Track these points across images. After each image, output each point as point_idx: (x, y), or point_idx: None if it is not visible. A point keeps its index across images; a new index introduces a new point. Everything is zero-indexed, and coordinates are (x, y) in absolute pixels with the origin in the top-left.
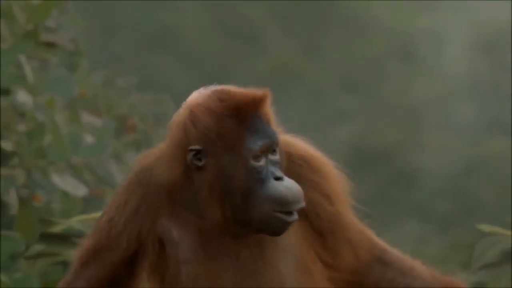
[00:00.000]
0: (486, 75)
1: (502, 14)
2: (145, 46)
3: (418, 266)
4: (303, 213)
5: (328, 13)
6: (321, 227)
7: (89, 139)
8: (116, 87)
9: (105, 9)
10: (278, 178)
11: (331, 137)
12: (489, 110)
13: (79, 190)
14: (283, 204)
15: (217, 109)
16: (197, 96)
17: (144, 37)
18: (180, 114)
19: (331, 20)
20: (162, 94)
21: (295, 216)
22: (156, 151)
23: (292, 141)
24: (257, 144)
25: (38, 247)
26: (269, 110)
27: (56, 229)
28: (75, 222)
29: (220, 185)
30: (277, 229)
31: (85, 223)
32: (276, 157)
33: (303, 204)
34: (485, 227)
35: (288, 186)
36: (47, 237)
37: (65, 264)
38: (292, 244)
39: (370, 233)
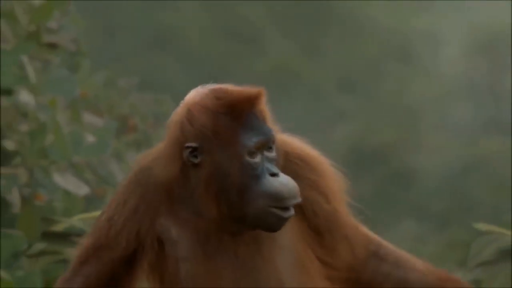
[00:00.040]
0: (483, 76)
1: (499, 15)
2: (146, 46)
3: (413, 259)
4: (300, 211)
5: (326, 14)
6: (318, 225)
7: (90, 138)
8: (117, 87)
9: (106, 10)
10: (273, 174)
11: (329, 137)
12: (485, 110)
13: (81, 189)
14: (278, 199)
15: (213, 107)
16: (194, 94)
17: (144, 38)
18: (177, 113)
19: (330, 21)
20: (162, 94)
21: (291, 212)
22: (155, 151)
23: (289, 140)
24: (252, 140)
25: (40, 246)
26: (265, 108)
27: (58, 227)
28: (77, 220)
29: (216, 182)
30: (273, 225)
31: (87, 221)
32: (272, 154)
33: (299, 199)
34: (482, 226)
35: (284, 182)
36: (49, 236)
37: (66, 262)
38: (289, 241)
39: (365, 229)
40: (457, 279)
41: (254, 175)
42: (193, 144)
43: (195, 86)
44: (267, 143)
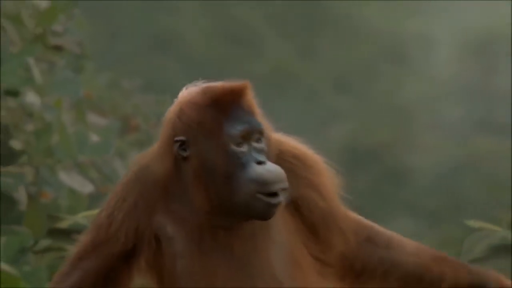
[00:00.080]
0: (475, 77)
1: (491, 18)
2: (148, 49)
3: (405, 241)
4: (295, 209)
5: (322, 16)
6: (313, 221)
7: (94, 138)
8: (120, 88)
9: (110, 14)
10: (260, 163)
11: (325, 136)
12: (477, 111)
13: (85, 187)
14: (263, 184)
15: (200, 101)
16: (186, 92)
17: (146, 41)
18: (170, 111)
19: (325, 23)
20: (163, 95)
21: (279, 198)
22: (153, 150)
23: (284, 139)
24: (236, 129)
25: (45, 242)
26: (253, 102)
27: (63, 224)
28: (81, 218)
29: (204, 173)
30: (262, 212)
31: (91, 219)
32: (260, 145)
33: (285, 185)
34: (473, 223)
35: (269, 168)
36: (54, 232)
37: None
38: (283, 238)
39: (356, 216)
40: (448, 258)
41: (240, 163)
42: (181, 138)
43: None
44: (253, 133)
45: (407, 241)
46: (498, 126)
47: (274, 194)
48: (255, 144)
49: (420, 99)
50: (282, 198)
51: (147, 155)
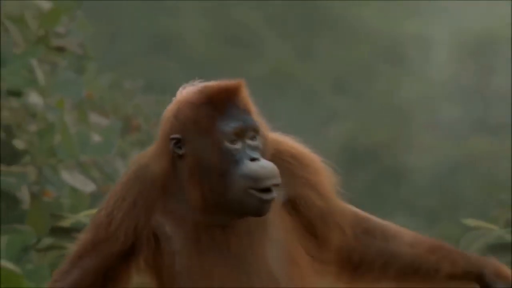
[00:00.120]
0: (471, 78)
1: (488, 20)
2: (149, 50)
3: (401, 231)
4: (293, 208)
5: (320, 18)
6: (311, 220)
7: (96, 138)
8: (121, 89)
9: (111, 16)
10: (253, 159)
11: (324, 136)
12: (473, 111)
13: (87, 186)
14: (255, 180)
15: (195, 100)
16: (183, 92)
17: (148, 42)
18: (167, 110)
19: (324, 25)
20: (164, 96)
21: (272, 194)
22: (152, 149)
23: (282, 138)
24: (229, 126)
25: (48, 240)
26: (248, 100)
27: (65, 223)
28: (83, 216)
29: (198, 170)
30: (256, 208)
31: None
32: (255, 143)
33: (278, 181)
34: (470, 222)
35: (262, 165)
36: (56, 231)
37: None
38: (280, 236)
39: (352, 208)
40: (445, 246)
41: (234, 160)
42: (177, 136)
43: None
44: (247, 130)
45: (404, 231)
46: (495, 126)
47: (267, 190)
48: (249, 142)
49: (418, 100)
50: (275, 194)
51: (146, 154)
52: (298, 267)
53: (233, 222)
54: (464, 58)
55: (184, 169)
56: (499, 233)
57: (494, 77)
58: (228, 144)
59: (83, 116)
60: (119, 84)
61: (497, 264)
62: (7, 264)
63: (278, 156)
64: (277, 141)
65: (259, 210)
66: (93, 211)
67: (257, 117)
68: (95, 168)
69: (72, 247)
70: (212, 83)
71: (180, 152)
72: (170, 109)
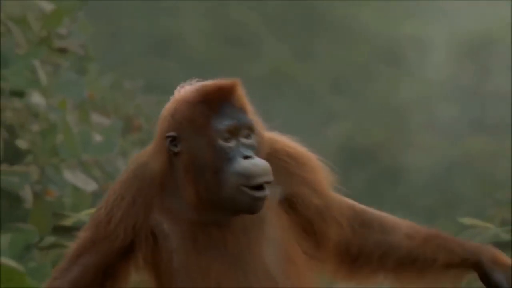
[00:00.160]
0: (468, 79)
1: (484, 21)
2: (150, 51)
3: (398, 222)
4: (291, 207)
5: (319, 19)
6: (309, 218)
7: (98, 138)
8: (123, 89)
9: (112, 17)
10: (246, 157)
11: (322, 136)
12: (470, 111)
13: (89, 186)
14: (247, 177)
15: (191, 98)
16: (181, 90)
17: (148, 43)
18: (165, 109)
19: (322, 26)
20: (165, 96)
21: (265, 192)
22: (151, 148)
23: (278, 138)
24: (223, 124)
25: (50, 239)
26: (244, 99)
27: (67, 222)
28: (85, 215)
29: (193, 168)
30: (249, 206)
31: None
32: (249, 141)
33: (270, 178)
34: (466, 220)
35: (255, 162)
36: (59, 230)
37: None
38: (277, 234)
39: (349, 202)
40: (441, 234)
41: (227, 158)
42: (172, 134)
43: None
44: (241, 129)
45: (401, 222)
46: (492, 126)
47: (260, 188)
48: (243, 140)
49: (416, 100)
50: (267, 192)
51: (145, 153)
52: (294, 265)
53: (229, 220)
54: (462, 58)
55: (180, 167)
56: (495, 232)
57: (491, 77)
58: (221, 142)
59: (85, 116)
60: (120, 84)
61: (493, 251)
62: (10, 262)
63: (274, 155)
64: (274, 140)
65: (252, 207)
66: (95, 210)
67: (253, 116)
68: (97, 167)
69: (72, 245)
70: (209, 82)
71: (176, 150)
72: (167, 107)
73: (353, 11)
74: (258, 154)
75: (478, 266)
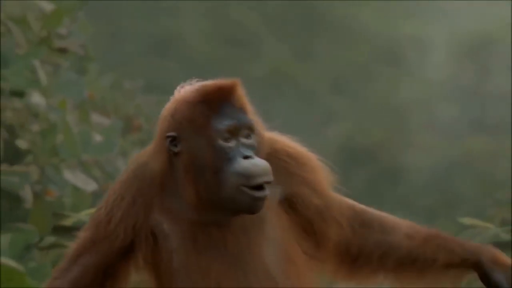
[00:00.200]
0: (468, 79)
1: (483, 22)
2: (149, 51)
3: (398, 222)
4: (290, 207)
5: (319, 20)
6: (309, 218)
7: (98, 138)
8: (122, 89)
9: (112, 18)
10: (246, 157)
11: (322, 136)
12: (470, 111)
13: (89, 186)
14: (247, 177)
15: (191, 99)
16: (181, 90)
17: (148, 43)
18: (165, 109)
19: (322, 27)
20: (164, 96)
21: (265, 192)
22: (151, 148)
23: (278, 138)
24: (223, 124)
25: (50, 239)
26: (244, 99)
27: (67, 222)
28: (85, 215)
29: (193, 167)
30: (248, 206)
31: None
32: (249, 141)
33: (270, 178)
34: (466, 220)
35: (255, 162)
36: (59, 230)
37: None
38: (277, 234)
39: (349, 202)
40: (441, 234)
41: (227, 158)
42: (173, 134)
43: None
44: (241, 129)
45: (401, 222)
46: (492, 126)
47: (260, 188)
48: (243, 140)
49: (415, 100)
50: (267, 192)
51: (145, 153)
52: (294, 265)
53: (229, 220)
54: (462, 59)
55: (180, 167)
56: (495, 232)
57: (491, 77)
58: (221, 142)
59: (85, 116)
60: (120, 84)
61: (493, 251)
62: (10, 262)
63: (274, 155)
64: (274, 140)
65: (252, 207)
66: (95, 210)
67: (253, 116)
68: (97, 167)
69: (72, 245)
70: (209, 82)
71: (176, 150)
72: (167, 107)
73: (353, 11)
74: (258, 154)
75: (478, 266)
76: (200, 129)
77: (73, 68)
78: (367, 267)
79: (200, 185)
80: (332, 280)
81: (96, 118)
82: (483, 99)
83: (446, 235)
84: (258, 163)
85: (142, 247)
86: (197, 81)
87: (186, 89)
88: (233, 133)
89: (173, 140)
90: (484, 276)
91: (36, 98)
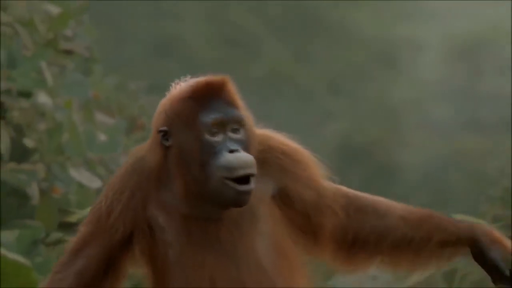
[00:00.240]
0: (461, 79)
1: (476, 24)
2: (153, 53)
3: (392, 205)
4: (284, 202)
5: (316, 22)
6: (304, 210)
7: (102, 137)
8: (127, 90)
9: (117, 20)
10: (232, 151)
11: (319, 136)
12: (463, 111)
13: (93, 183)
14: (228, 169)
15: (181, 94)
16: (175, 87)
17: (151, 45)
18: (160, 104)
19: (320, 29)
20: None
21: (250, 186)
22: (148, 143)
23: (272, 135)
24: (209, 117)
25: (56, 235)
26: (234, 95)
27: (73, 218)
28: None
29: (182, 161)
30: (233, 199)
31: None
32: (237, 136)
33: (253, 171)
34: (459, 217)
35: (239, 155)
36: (64, 226)
37: None
38: (270, 229)
39: (342, 189)
40: (435, 214)
41: (213, 152)
42: (164, 128)
43: None
44: (228, 123)
45: (395, 205)
46: (484, 125)
47: (244, 182)
48: (231, 134)
49: (410, 100)
50: (252, 186)
51: (143, 147)
52: (286, 259)
53: (222, 214)
54: (454, 60)
55: (171, 160)
56: None
57: (483, 78)
58: (208, 136)
59: (90, 116)
60: (124, 85)
61: (488, 229)
62: (17, 257)
63: (269, 151)
64: (268, 137)
65: (236, 201)
66: (94, 204)
67: (243, 111)
68: (101, 165)
69: (72, 239)
70: (200, 79)
71: (167, 144)
72: (162, 103)
73: (350, 14)
74: (247, 149)
75: (473, 243)
76: (188, 123)
77: (79, 69)
78: (364, 252)
79: (188, 178)
80: (328, 272)
81: (100, 117)
82: (475, 99)
83: (440, 215)
84: (241, 156)
85: (140, 239)
86: (191, 78)
87: (180, 86)
88: (220, 127)
89: (165, 135)
90: (479, 254)
91: (43, 98)
